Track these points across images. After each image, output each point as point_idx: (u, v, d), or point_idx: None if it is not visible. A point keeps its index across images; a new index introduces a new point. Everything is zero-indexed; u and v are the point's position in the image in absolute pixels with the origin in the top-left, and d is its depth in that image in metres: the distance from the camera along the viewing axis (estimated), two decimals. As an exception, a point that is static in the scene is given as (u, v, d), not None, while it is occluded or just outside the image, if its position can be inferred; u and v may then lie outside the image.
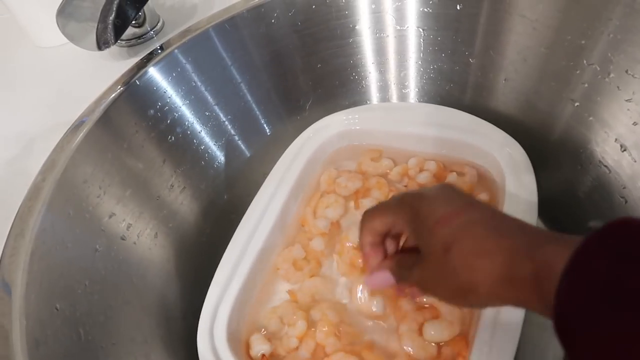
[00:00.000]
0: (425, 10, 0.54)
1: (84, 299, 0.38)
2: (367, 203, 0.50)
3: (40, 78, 0.55)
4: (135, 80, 0.49)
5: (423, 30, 0.56)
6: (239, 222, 0.48)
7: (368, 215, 0.36)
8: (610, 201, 0.46)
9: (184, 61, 0.52)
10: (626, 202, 0.45)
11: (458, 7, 0.52)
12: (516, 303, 0.27)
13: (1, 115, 0.52)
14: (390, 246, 0.37)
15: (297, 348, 0.42)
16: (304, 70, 0.59)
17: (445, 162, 0.52)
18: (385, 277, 0.36)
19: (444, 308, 0.41)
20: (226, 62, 0.55)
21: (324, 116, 0.56)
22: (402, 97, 0.61)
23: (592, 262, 0.21)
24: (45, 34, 0.58)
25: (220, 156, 0.56)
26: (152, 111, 0.50)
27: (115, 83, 0.49)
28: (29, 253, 0.36)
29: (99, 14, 0.45)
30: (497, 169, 0.48)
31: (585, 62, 0.46)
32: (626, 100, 0.43)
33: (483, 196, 0.48)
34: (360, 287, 0.45)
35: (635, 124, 0.43)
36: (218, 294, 0.43)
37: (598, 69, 0.45)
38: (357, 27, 0.57)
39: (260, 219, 0.48)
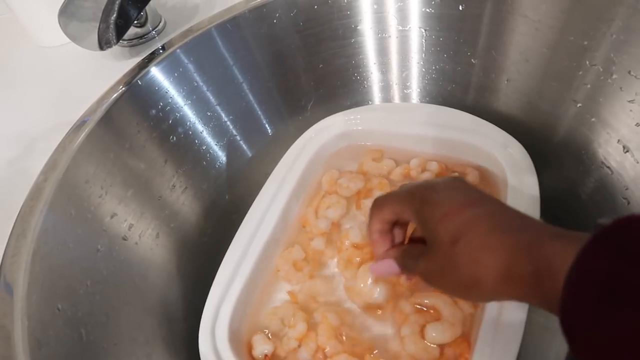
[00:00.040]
0: (428, 10, 0.54)
1: (86, 299, 0.38)
2: (369, 203, 0.50)
3: (41, 78, 0.55)
4: (137, 80, 0.49)
5: (425, 30, 0.56)
6: (241, 222, 0.48)
7: (378, 203, 0.37)
8: (613, 202, 0.46)
9: (185, 61, 0.52)
10: (629, 203, 0.45)
11: (460, 8, 0.52)
12: (518, 298, 0.27)
13: (3, 114, 0.52)
14: (399, 234, 0.38)
15: (296, 349, 0.42)
16: (306, 70, 0.59)
17: (447, 162, 0.52)
18: (390, 265, 0.37)
19: (446, 310, 0.41)
20: (228, 62, 0.55)
21: (325, 116, 0.56)
22: (404, 97, 0.61)
23: (599, 260, 0.21)
24: (46, 33, 0.58)
25: (221, 156, 0.56)
26: (153, 111, 0.50)
27: (117, 83, 0.49)
28: (30, 253, 0.36)
29: (100, 13, 0.45)
30: (499, 169, 0.48)
31: (587, 62, 0.46)
32: (629, 101, 0.43)
33: (485, 197, 0.48)
34: (364, 273, 0.44)
35: (638, 125, 0.43)
36: (220, 294, 0.43)
37: (601, 69, 0.45)
38: (359, 28, 0.57)
39: (262, 219, 0.48)
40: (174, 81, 0.51)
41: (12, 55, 0.60)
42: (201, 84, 0.53)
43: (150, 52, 0.52)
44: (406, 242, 0.39)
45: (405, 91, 0.61)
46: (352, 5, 0.55)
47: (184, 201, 0.52)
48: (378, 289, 0.43)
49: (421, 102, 0.61)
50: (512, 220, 0.29)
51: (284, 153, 0.53)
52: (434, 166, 0.52)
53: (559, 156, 0.51)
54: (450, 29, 0.54)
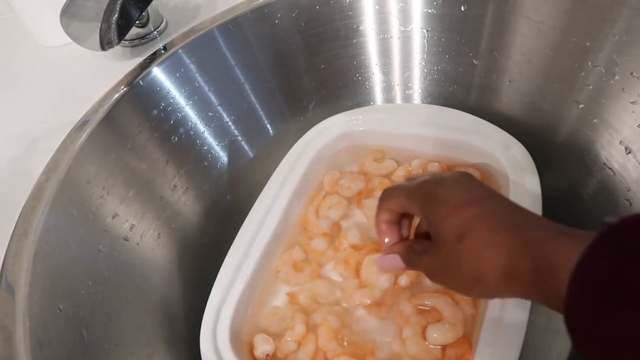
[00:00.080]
0: (430, 11, 0.54)
1: (87, 299, 0.38)
2: (370, 204, 0.50)
3: (43, 78, 0.55)
4: (138, 81, 0.49)
5: (427, 31, 0.56)
6: (242, 222, 0.48)
7: (386, 194, 0.38)
8: (615, 203, 0.46)
9: (187, 61, 0.52)
10: (631, 204, 0.45)
11: (463, 8, 0.52)
12: (520, 295, 0.27)
13: (4, 115, 0.52)
14: (405, 225, 0.39)
15: (295, 351, 0.42)
16: (308, 70, 0.59)
17: (448, 163, 0.52)
18: (395, 260, 0.37)
19: (447, 310, 0.41)
20: (230, 63, 0.55)
21: (327, 117, 0.56)
22: (406, 98, 0.61)
23: (605, 258, 0.21)
24: (48, 33, 0.58)
25: (223, 157, 0.56)
26: (155, 111, 0.50)
27: (119, 83, 0.49)
28: (32, 254, 0.36)
29: (102, 14, 0.45)
30: (500, 170, 0.48)
31: (590, 64, 0.46)
32: (631, 103, 0.43)
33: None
34: (369, 264, 0.44)
35: (640, 126, 0.43)
36: (221, 294, 0.43)
37: (603, 70, 0.45)
38: (361, 28, 0.57)
39: (263, 220, 0.48)
40: (176, 81, 0.51)
41: (14, 55, 0.60)
42: (203, 84, 0.53)
43: (152, 52, 0.52)
44: (411, 235, 0.40)
45: (407, 92, 0.61)
46: (354, 6, 0.55)
47: (185, 201, 0.52)
48: (384, 277, 0.43)
49: (423, 102, 0.61)
50: (515, 217, 0.29)
51: (286, 153, 0.53)
52: (435, 167, 0.52)
53: (561, 157, 0.51)
54: (452, 29, 0.54)
